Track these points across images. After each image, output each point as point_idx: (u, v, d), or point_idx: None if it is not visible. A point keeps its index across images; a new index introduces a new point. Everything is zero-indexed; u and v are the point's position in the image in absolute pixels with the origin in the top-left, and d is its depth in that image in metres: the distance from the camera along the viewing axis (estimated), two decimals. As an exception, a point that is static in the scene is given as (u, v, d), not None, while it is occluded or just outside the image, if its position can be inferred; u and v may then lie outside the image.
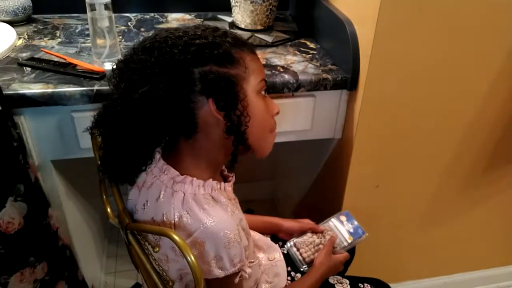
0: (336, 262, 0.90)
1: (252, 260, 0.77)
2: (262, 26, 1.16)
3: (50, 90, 0.85)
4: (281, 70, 0.98)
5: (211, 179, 0.67)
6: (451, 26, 0.89)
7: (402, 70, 0.93)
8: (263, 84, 0.66)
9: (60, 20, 1.21)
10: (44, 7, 1.21)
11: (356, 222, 0.97)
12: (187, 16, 1.28)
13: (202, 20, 1.25)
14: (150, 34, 0.64)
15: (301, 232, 0.97)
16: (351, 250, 0.99)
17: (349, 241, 0.94)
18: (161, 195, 0.65)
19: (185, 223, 0.62)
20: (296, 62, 1.02)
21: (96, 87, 0.86)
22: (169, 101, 0.59)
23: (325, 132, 1.09)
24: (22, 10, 1.13)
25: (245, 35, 1.13)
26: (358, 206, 1.12)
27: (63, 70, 0.91)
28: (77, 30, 1.14)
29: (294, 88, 0.96)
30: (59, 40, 1.08)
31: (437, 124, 1.04)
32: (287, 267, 0.93)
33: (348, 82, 0.97)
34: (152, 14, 1.27)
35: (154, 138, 0.65)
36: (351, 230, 0.96)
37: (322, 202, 1.31)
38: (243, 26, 1.16)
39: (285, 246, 0.96)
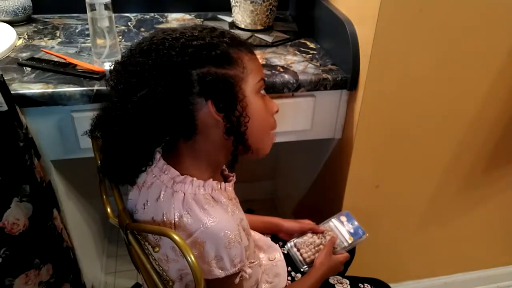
0: (336, 262, 0.90)
1: (253, 260, 0.77)
2: (262, 26, 1.16)
3: (50, 90, 0.85)
4: (281, 70, 0.98)
5: (211, 179, 0.67)
6: (451, 26, 0.89)
7: (402, 70, 0.93)
8: (262, 83, 0.66)
9: (60, 20, 1.21)
10: (44, 7, 1.21)
11: (356, 223, 0.97)
12: (187, 16, 1.28)
13: (202, 20, 1.25)
14: (147, 35, 0.64)
15: (302, 233, 0.97)
16: (351, 250, 0.99)
17: (350, 242, 0.94)
18: (161, 195, 0.65)
19: (185, 223, 0.62)
20: (296, 62, 1.02)
21: (96, 87, 0.86)
22: (168, 104, 0.59)
23: (325, 132, 1.09)
24: (22, 10, 1.13)
25: (245, 35, 1.13)
26: (358, 206, 1.12)
27: (63, 70, 0.91)
28: (77, 30, 1.14)
29: (294, 88, 0.96)
30: (59, 40, 1.08)
31: (437, 124, 1.04)
32: (287, 267, 0.93)
33: (348, 82, 0.97)
34: (152, 14, 1.27)
35: (154, 140, 0.65)
36: (352, 231, 0.96)
37: (322, 202, 1.31)
38: (243, 26, 1.16)
39: (286, 246, 0.96)
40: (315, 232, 0.96)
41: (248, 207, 1.68)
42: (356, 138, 1.01)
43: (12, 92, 0.82)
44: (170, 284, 0.63)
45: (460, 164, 1.14)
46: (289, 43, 1.13)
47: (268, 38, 1.12)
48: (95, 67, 0.91)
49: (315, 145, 1.18)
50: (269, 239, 0.98)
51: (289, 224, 0.98)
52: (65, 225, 0.99)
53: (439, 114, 1.02)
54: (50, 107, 0.86)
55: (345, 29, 0.95)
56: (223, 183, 0.69)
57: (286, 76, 0.95)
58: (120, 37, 1.11)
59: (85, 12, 0.90)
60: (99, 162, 0.72)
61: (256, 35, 1.14)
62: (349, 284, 0.94)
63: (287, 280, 0.91)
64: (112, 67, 0.64)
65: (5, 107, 0.70)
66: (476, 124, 1.06)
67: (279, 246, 0.97)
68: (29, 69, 0.92)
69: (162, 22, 1.23)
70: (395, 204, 1.19)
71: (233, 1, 1.14)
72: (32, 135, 0.88)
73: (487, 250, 1.41)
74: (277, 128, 0.72)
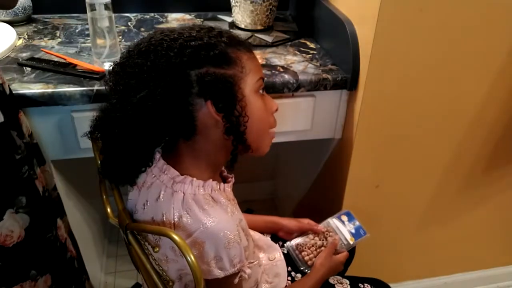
0: (336, 262, 0.90)
1: (252, 261, 0.77)
2: (262, 26, 1.16)
3: (50, 90, 0.85)
4: (281, 70, 0.98)
5: (211, 180, 0.67)
6: (451, 26, 0.89)
7: (402, 70, 0.93)
8: (261, 82, 0.66)
9: (60, 20, 1.21)
10: (44, 7, 1.21)
11: (357, 222, 0.97)
12: (187, 16, 1.28)
13: (202, 20, 1.25)
14: (145, 36, 0.64)
15: (301, 232, 0.97)
16: (351, 250, 0.99)
17: (351, 243, 0.94)
18: (161, 195, 0.65)
19: (185, 223, 0.62)
20: (296, 62, 1.02)
21: (96, 87, 0.86)
22: (167, 105, 0.59)
23: (325, 132, 1.09)
24: (22, 10, 1.13)
25: (245, 35, 1.13)
26: (358, 206, 1.12)
27: (63, 70, 0.91)
28: (77, 30, 1.14)
29: (294, 88, 0.96)
30: (59, 40, 1.08)
31: (437, 124, 1.04)
32: (287, 267, 0.93)
33: (348, 82, 0.97)
34: (152, 14, 1.27)
35: (154, 140, 0.66)
36: (353, 231, 0.96)
37: (322, 202, 1.31)
38: (243, 26, 1.16)
39: (285, 246, 0.96)
40: (316, 233, 0.96)
41: (248, 207, 1.68)
42: (356, 138, 1.01)
43: (12, 92, 0.82)
44: (170, 284, 0.63)
45: (460, 164, 1.14)
46: (289, 43, 1.13)
47: (268, 38, 1.12)
48: (95, 67, 0.92)
49: (315, 145, 1.18)
50: (269, 239, 0.98)
51: (288, 222, 0.98)
52: (72, 232, 0.98)
53: (439, 114, 1.02)
54: (50, 107, 0.86)
55: (345, 29, 0.95)
56: (222, 183, 0.69)
57: (286, 76, 0.95)
58: (120, 37, 1.11)
59: (85, 12, 0.90)
60: (99, 162, 0.72)
61: (256, 35, 1.14)
62: (349, 284, 0.94)
63: (287, 280, 0.91)
64: (111, 68, 0.64)
65: (1, 119, 0.69)
66: (476, 124, 1.06)
67: (279, 245, 0.97)
68: (29, 69, 0.92)
69: (162, 22, 1.23)
70: (395, 204, 1.19)
71: (233, 1, 1.14)
72: (35, 138, 0.88)
73: (487, 250, 1.41)
74: (277, 128, 0.72)
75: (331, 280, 0.93)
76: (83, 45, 1.06)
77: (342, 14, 0.99)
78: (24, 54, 0.99)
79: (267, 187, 1.86)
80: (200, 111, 0.61)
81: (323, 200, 1.30)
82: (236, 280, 0.67)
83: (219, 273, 0.63)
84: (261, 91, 0.67)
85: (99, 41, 0.92)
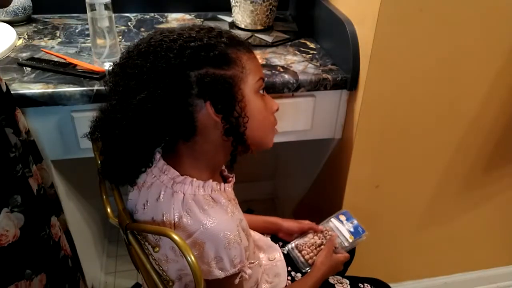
0: (337, 261, 0.90)
1: (252, 261, 0.77)
2: (262, 26, 1.16)
3: (50, 90, 0.85)
4: (281, 70, 0.98)
5: (211, 180, 0.66)
6: (451, 26, 0.89)
7: (402, 70, 0.93)
8: (261, 83, 0.66)
9: (60, 20, 1.21)
10: (44, 7, 1.21)
11: (355, 221, 0.98)
12: (187, 16, 1.28)
13: (202, 20, 1.25)
14: (144, 37, 0.64)
15: (301, 233, 0.97)
16: (351, 250, 0.99)
17: (350, 241, 0.95)
18: (161, 195, 0.65)
19: (185, 224, 0.62)
20: (296, 62, 1.02)
21: (96, 87, 0.86)
22: (167, 106, 0.59)
23: (325, 132, 1.09)
24: (22, 10, 1.13)
25: (245, 35, 1.13)
26: (358, 206, 1.12)
27: (63, 70, 0.91)
28: (77, 30, 1.14)
29: (294, 88, 0.96)
30: (59, 40, 1.08)
31: (437, 124, 1.04)
32: (287, 267, 0.93)
33: (348, 82, 0.97)
34: (152, 14, 1.27)
35: (153, 141, 0.66)
36: (352, 230, 0.96)
37: (322, 202, 1.31)
38: (243, 26, 1.16)
39: (286, 247, 0.96)
40: (315, 232, 0.96)
41: (248, 207, 1.68)
42: (356, 138, 1.01)
43: (12, 92, 0.82)
44: (170, 284, 0.63)
45: (460, 164, 1.14)
46: (289, 43, 1.13)
47: (268, 38, 1.12)
48: (95, 67, 0.92)
49: (315, 145, 1.18)
50: (269, 239, 0.98)
51: (288, 223, 0.98)
52: (69, 228, 0.98)
53: (439, 114, 1.02)
54: (50, 107, 0.86)
55: (345, 29, 0.95)
56: (222, 183, 0.69)
57: (286, 76, 0.95)
58: (120, 37, 1.11)
59: (85, 12, 0.90)
60: (99, 163, 0.72)
61: (256, 35, 1.14)
62: (349, 284, 0.94)
63: (287, 280, 0.91)
64: (110, 69, 0.63)
65: None
66: (476, 124, 1.06)
67: (279, 246, 0.97)
68: (29, 69, 0.92)
69: (162, 22, 1.23)
70: (395, 204, 1.19)
71: (233, 1, 1.14)
72: (32, 135, 0.88)
73: (487, 250, 1.41)
74: (277, 127, 0.72)
75: (331, 280, 0.93)
76: (83, 45, 1.06)
77: (342, 14, 0.99)
78: (24, 54, 0.99)
79: (267, 187, 1.86)
80: (200, 112, 0.61)
81: (323, 200, 1.30)
82: (237, 281, 0.67)
83: (219, 274, 0.63)
84: (261, 91, 0.67)
85: (99, 41, 0.92)
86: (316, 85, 0.97)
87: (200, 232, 0.62)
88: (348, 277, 0.97)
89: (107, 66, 0.93)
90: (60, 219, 0.95)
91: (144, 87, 0.58)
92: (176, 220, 0.63)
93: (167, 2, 1.28)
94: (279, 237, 0.99)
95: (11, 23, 1.11)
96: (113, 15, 0.91)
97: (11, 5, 1.11)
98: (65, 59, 0.95)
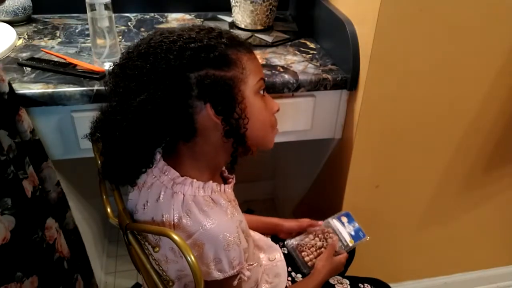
0: (337, 263, 0.90)
1: (252, 263, 0.77)
2: (262, 26, 1.16)
3: (50, 90, 0.85)
4: (281, 70, 0.98)
5: (211, 181, 0.66)
6: (451, 26, 0.89)
7: (402, 70, 0.93)
8: (262, 83, 0.66)
9: (60, 20, 1.21)
10: (44, 7, 1.21)
11: (357, 224, 0.97)
12: (187, 16, 1.28)
13: (202, 20, 1.25)
14: (144, 37, 0.63)
15: (301, 231, 0.97)
16: (351, 251, 0.99)
17: (350, 245, 0.94)
18: (161, 196, 0.65)
19: (184, 225, 0.62)
20: (296, 62, 1.02)
21: (96, 87, 0.86)
22: (167, 107, 0.59)
23: (325, 132, 1.08)
24: (22, 10, 1.13)
25: (245, 35, 1.13)
26: (358, 206, 1.12)
27: (63, 70, 0.91)
28: (77, 30, 1.14)
29: (294, 88, 0.95)
30: (59, 40, 1.08)
31: (437, 124, 1.04)
32: (287, 267, 0.93)
33: (348, 82, 0.97)
34: (152, 14, 1.27)
35: (154, 142, 0.65)
36: (352, 233, 0.96)
37: (322, 202, 1.31)
38: (243, 26, 1.16)
39: (286, 244, 0.96)
40: (316, 233, 0.96)
41: (248, 207, 1.68)
42: (356, 138, 1.01)
43: (13, 90, 0.82)
44: (170, 284, 0.63)
45: (460, 164, 1.14)
46: (289, 43, 1.13)
47: (268, 38, 1.12)
48: (95, 67, 0.91)
49: (315, 145, 1.18)
50: (269, 239, 0.98)
51: (289, 224, 0.98)
52: (77, 229, 0.98)
53: (439, 114, 1.02)
54: (50, 107, 0.86)
55: (345, 29, 0.95)
56: (222, 185, 0.69)
57: (286, 76, 0.95)
58: (120, 37, 1.11)
59: (85, 12, 0.90)
60: (100, 163, 0.72)
61: (256, 35, 1.14)
62: (349, 284, 0.94)
63: (288, 280, 0.91)
64: (110, 70, 0.63)
65: None
66: (476, 124, 1.06)
67: (279, 246, 0.97)
68: (29, 69, 0.92)
69: (162, 22, 1.23)
70: (395, 204, 1.19)
71: (233, 1, 1.14)
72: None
73: (487, 250, 1.41)
74: (277, 127, 0.72)
75: (331, 280, 0.93)
76: (83, 45, 1.06)
77: (342, 14, 0.99)
78: (24, 54, 0.99)
79: (267, 187, 1.86)
80: (200, 113, 0.61)
81: (323, 200, 1.30)
82: (235, 282, 0.67)
83: (218, 275, 0.63)
84: (261, 92, 0.67)
85: (99, 41, 0.92)
86: (316, 85, 0.97)
87: (200, 233, 0.62)
88: (348, 277, 0.97)
89: (107, 66, 0.93)
90: (68, 217, 0.95)
91: (144, 88, 0.58)
92: (175, 221, 0.63)
93: (167, 2, 1.28)
94: (280, 238, 0.99)
95: (11, 23, 1.11)
96: (113, 15, 0.91)
97: (11, 5, 1.11)
98: (65, 59, 0.95)
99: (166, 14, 1.28)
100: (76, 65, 0.92)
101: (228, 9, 1.20)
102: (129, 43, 1.08)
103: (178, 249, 0.56)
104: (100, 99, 0.86)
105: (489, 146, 1.12)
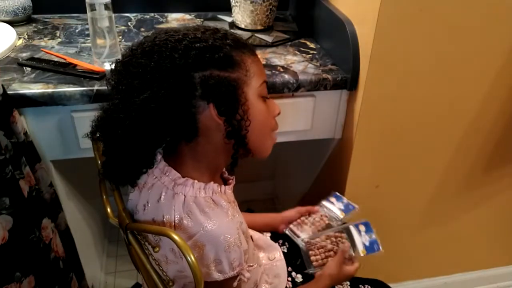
0: (346, 274, 0.87)
1: (252, 264, 0.77)
2: (262, 26, 1.16)
3: (50, 90, 0.85)
4: (281, 70, 0.98)
5: (212, 182, 0.66)
6: (451, 26, 0.89)
7: (402, 70, 0.93)
8: (264, 86, 0.66)
9: (60, 20, 1.21)
10: (44, 7, 1.21)
11: (374, 236, 0.92)
12: (187, 16, 1.28)
13: (202, 20, 1.25)
14: (149, 35, 0.63)
15: (301, 215, 0.96)
16: None
17: (362, 255, 0.90)
18: (162, 196, 0.65)
19: (185, 226, 0.62)
20: (296, 62, 1.02)
21: (96, 87, 0.86)
22: (170, 107, 0.59)
23: (325, 132, 1.09)
24: (22, 10, 1.13)
25: (245, 35, 1.13)
26: (358, 206, 1.12)
27: (63, 70, 0.91)
28: (77, 30, 1.14)
29: (294, 88, 0.95)
30: (59, 40, 1.08)
31: (437, 124, 1.04)
32: (287, 267, 0.93)
33: (348, 82, 0.97)
34: (152, 14, 1.27)
35: (155, 141, 0.65)
36: (367, 244, 0.91)
37: (322, 202, 1.31)
38: (243, 26, 1.16)
39: (297, 238, 0.93)
40: (329, 236, 0.92)
41: (248, 207, 1.68)
42: (356, 138, 1.01)
43: (12, 92, 0.82)
44: (170, 284, 0.62)
45: (460, 164, 1.14)
46: (289, 43, 1.13)
47: (268, 38, 1.12)
48: (95, 67, 0.91)
49: (315, 145, 1.18)
50: (268, 238, 0.98)
51: (287, 214, 0.97)
52: (69, 230, 0.98)
53: (439, 114, 1.02)
54: (50, 107, 0.86)
55: (345, 29, 0.95)
56: (223, 186, 0.69)
57: (286, 76, 0.95)
58: (120, 37, 1.11)
59: (85, 12, 0.90)
60: (100, 163, 0.72)
61: (256, 35, 1.14)
62: (349, 285, 0.94)
63: (287, 280, 0.91)
64: (113, 66, 0.63)
65: None
66: (476, 124, 1.06)
67: (279, 245, 0.97)
68: (29, 69, 0.92)
69: (162, 22, 1.23)
70: (395, 204, 1.19)
71: (233, 1, 1.14)
72: (32, 135, 0.88)
73: (487, 250, 1.41)
74: (276, 135, 0.72)
75: (331, 281, 0.93)
76: (83, 45, 1.06)
77: (342, 14, 0.99)
78: (24, 54, 0.99)
79: (267, 187, 1.86)
80: (203, 113, 0.61)
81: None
82: (235, 283, 0.67)
83: (218, 276, 0.63)
84: (264, 95, 0.67)
85: (99, 41, 0.92)
86: (316, 85, 0.97)
87: (201, 234, 0.61)
88: (348, 278, 0.96)
89: (107, 66, 0.93)
90: (60, 218, 0.95)
91: (147, 86, 0.58)
92: (176, 222, 0.63)
93: (167, 2, 1.28)
94: (280, 231, 0.97)
95: (11, 23, 1.11)
96: (113, 15, 0.91)
97: (11, 5, 1.11)
98: (65, 59, 0.95)
99: (166, 14, 1.28)
100: (76, 65, 0.92)
101: (228, 9, 1.20)
102: (129, 43, 1.08)
103: (178, 250, 0.56)
104: (100, 99, 0.86)
105: (489, 146, 1.12)
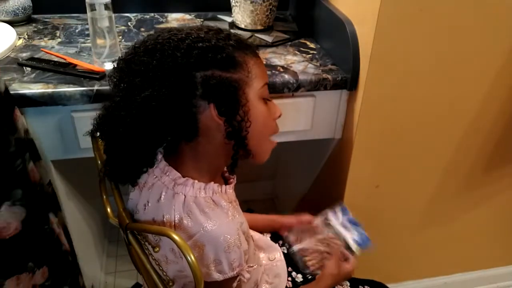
0: (346, 272, 0.88)
1: (252, 265, 0.77)
2: (262, 26, 1.16)
3: (50, 90, 0.85)
4: (281, 70, 0.98)
5: (212, 182, 0.66)
6: (451, 26, 0.89)
7: (402, 70, 0.93)
8: (266, 88, 0.66)
9: (60, 20, 1.21)
10: (44, 7, 1.21)
11: (361, 230, 0.94)
12: (187, 16, 1.28)
13: (202, 20, 1.25)
14: (152, 33, 0.63)
15: (301, 226, 0.96)
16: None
17: (357, 253, 0.91)
18: (162, 196, 0.65)
19: (185, 226, 0.62)
20: (296, 62, 1.02)
21: (96, 87, 0.86)
22: (171, 105, 0.59)
23: (325, 132, 1.09)
24: (22, 10, 1.13)
25: (245, 35, 1.13)
26: (358, 206, 1.11)
27: (63, 70, 0.91)
28: (77, 30, 1.14)
29: (294, 88, 0.96)
30: (59, 40, 1.08)
31: (437, 124, 1.04)
32: (287, 267, 0.93)
33: (348, 82, 0.97)
34: (152, 14, 1.27)
35: (156, 140, 0.65)
36: (357, 239, 0.93)
37: (322, 202, 1.31)
38: (243, 26, 1.16)
39: (288, 251, 0.95)
40: (319, 240, 0.93)
41: (248, 207, 1.68)
42: (356, 138, 1.01)
43: (12, 92, 0.82)
44: (170, 284, 0.62)
45: (460, 164, 1.14)
46: (289, 43, 1.13)
47: (268, 38, 1.12)
48: (95, 67, 0.92)
49: (315, 145, 1.18)
50: (269, 238, 0.98)
51: (287, 219, 0.97)
52: (67, 226, 0.98)
53: (439, 114, 1.02)
54: (50, 107, 0.86)
55: (345, 29, 0.95)
56: (223, 185, 0.69)
57: (286, 76, 0.95)
58: (120, 37, 1.11)
59: (85, 12, 0.90)
60: (100, 163, 0.72)
61: (256, 35, 1.14)
62: (349, 286, 0.94)
63: (288, 280, 0.91)
64: (115, 64, 0.63)
65: None
66: (476, 124, 1.06)
67: (279, 245, 0.97)
68: (29, 69, 0.92)
69: (162, 22, 1.23)
70: (395, 204, 1.19)
71: (233, 1, 1.14)
72: (32, 135, 0.88)
73: (487, 250, 1.41)
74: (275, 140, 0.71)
75: (331, 281, 0.93)
76: (83, 45, 1.06)
77: (342, 14, 0.99)
78: (24, 54, 0.99)
79: (267, 187, 1.86)
80: (203, 113, 0.61)
81: (323, 200, 1.30)
82: (235, 284, 0.67)
83: (218, 277, 0.63)
84: (265, 96, 0.66)
85: (99, 41, 0.92)
86: (316, 85, 0.97)
87: (200, 234, 0.61)
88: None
89: (107, 66, 0.93)
90: (58, 216, 0.95)
91: (149, 84, 0.58)
92: (176, 221, 0.63)
93: (167, 2, 1.28)
94: (280, 234, 0.98)
95: (11, 23, 1.11)
96: (113, 15, 0.91)
97: (11, 5, 1.11)
98: (65, 59, 0.95)
99: (166, 14, 1.28)
100: (76, 65, 0.92)
101: (228, 9, 1.20)
102: (129, 43, 1.08)
103: (178, 250, 0.56)
104: (100, 99, 0.86)
105: (489, 146, 1.12)
